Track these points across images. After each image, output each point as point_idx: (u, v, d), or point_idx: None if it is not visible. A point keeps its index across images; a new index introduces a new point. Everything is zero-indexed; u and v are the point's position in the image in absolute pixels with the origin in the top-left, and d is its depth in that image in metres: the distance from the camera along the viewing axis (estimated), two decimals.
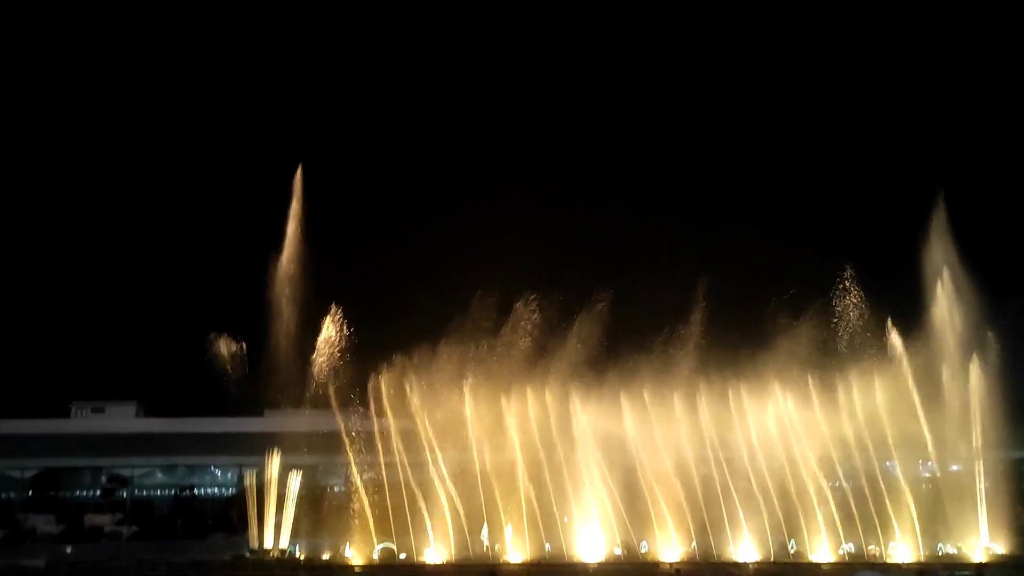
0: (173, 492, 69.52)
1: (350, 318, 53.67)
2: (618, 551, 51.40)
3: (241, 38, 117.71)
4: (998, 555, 48.13)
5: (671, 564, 45.36)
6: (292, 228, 55.13)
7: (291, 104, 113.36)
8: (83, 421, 73.24)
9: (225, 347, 53.36)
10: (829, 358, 54.10)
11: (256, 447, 54.10)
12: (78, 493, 69.30)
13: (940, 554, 49.90)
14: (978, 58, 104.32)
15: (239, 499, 57.02)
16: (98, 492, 69.25)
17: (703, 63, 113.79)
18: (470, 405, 53.63)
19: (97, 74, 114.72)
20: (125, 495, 68.43)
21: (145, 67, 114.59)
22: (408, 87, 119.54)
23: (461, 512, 51.32)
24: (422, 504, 51.48)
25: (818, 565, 47.10)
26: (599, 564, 48.59)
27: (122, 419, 72.98)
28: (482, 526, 52.12)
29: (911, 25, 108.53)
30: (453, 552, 50.73)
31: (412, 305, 61.93)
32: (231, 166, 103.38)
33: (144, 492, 69.69)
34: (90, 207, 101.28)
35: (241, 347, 53.43)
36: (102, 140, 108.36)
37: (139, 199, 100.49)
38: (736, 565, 44.65)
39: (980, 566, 36.13)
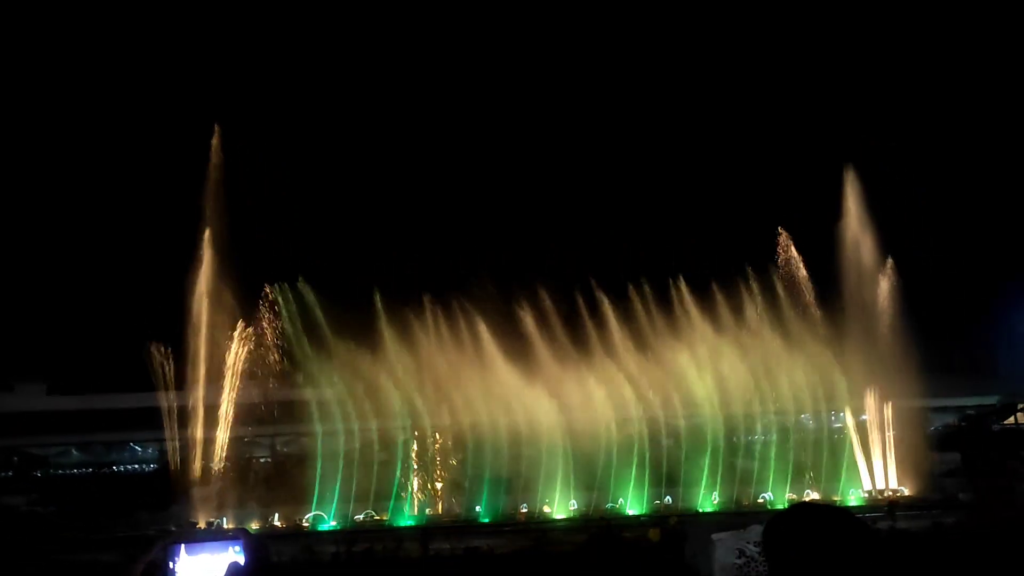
0: (91, 470, 67.70)
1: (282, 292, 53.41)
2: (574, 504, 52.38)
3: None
4: (905, 497, 50.92)
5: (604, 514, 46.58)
6: (209, 192, 53.72)
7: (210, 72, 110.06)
8: None
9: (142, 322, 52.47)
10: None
11: (177, 422, 53.31)
12: None
13: (853, 499, 52.48)
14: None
15: (161, 474, 56.21)
16: (10, 473, 66.96)
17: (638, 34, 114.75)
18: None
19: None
20: (40, 474, 66.36)
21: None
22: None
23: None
24: (352, 472, 51.72)
25: (741, 512, 48.91)
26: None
27: (33, 397, 70.44)
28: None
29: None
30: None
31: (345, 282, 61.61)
32: (145, 136, 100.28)
33: (60, 471, 67.70)
34: None
35: (157, 325, 52.65)
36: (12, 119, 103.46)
37: (45, 172, 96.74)
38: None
39: (891, 506, 38.34)
